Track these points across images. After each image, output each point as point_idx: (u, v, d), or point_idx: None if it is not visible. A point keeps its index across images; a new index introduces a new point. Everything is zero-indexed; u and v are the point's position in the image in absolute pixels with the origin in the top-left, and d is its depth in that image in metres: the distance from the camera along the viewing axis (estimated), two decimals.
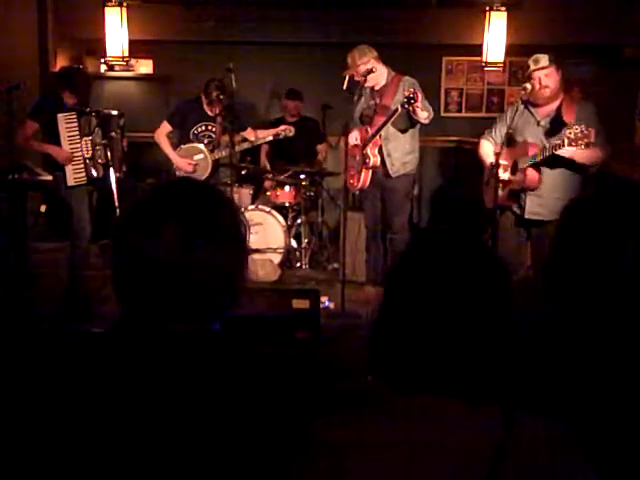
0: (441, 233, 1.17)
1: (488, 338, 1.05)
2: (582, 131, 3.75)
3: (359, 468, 1.02)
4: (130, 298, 1.16)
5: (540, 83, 4.13)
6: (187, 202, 1.16)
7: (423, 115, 4.56)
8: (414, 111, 4.50)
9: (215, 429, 1.08)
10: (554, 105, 4.19)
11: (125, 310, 1.16)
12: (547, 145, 4.02)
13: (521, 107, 4.32)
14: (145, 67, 7.04)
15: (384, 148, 4.80)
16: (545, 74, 4.12)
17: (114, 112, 4.80)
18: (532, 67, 4.15)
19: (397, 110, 4.52)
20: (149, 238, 1.12)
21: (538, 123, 4.21)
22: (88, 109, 4.65)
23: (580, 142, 3.75)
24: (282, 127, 5.73)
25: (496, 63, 6.42)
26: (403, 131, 4.77)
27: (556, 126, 4.14)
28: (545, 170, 4.14)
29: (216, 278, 1.15)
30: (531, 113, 4.23)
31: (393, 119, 4.61)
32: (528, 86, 4.14)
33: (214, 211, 1.18)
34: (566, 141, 3.80)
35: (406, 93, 4.41)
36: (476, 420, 1.03)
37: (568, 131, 3.81)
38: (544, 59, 4.13)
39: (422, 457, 1.01)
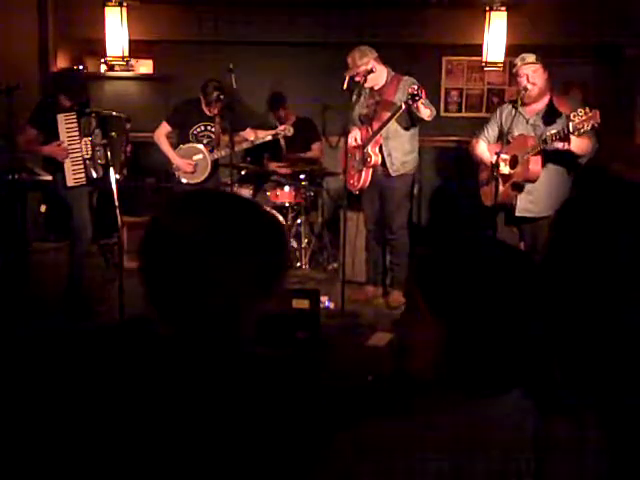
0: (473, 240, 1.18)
1: (525, 337, 1.07)
2: (587, 113, 3.75)
3: (405, 469, 1.03)
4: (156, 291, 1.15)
5: (528, 80, 4.16)
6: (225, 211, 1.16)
7: (426, 112, 4.56)
8: (417, 108, 4.51)
9: (220, 432, 1.08)
10: (542, 103, 4.23)
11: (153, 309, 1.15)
12: (553, 132, 4.01)
13: (510, 107, 4.37)
14: (145, 67, 7.03)
15: (385, 147, 4.80)
16: (532, 70, 4.17)
17: (115, 113, 4.79)
18: (519, 63, 4.20)
19: (401, 107, 4.53)
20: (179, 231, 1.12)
21: (527, 121, 4.25)
22: (88, 110, 4.65)
23: (586, 124, 3.75)
24: (281, 127, 5.73)
25: (496, 63, 6.42)
26: (405, 129, 4.78)
27: (547, 119, 4.16)
28: None
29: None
30: (520, 112, 4.26)
31: (396, 116, 4.61)
32: (529, 86, 4.17)
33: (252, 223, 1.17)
34: (571, 125, 3.81)
35: (410, 90, 4.41)
36: (512, 417, 1.03)
37: (572, 115, 3.81)
38: (531, 57, 4.18)
39: (466, 454, 1.02)
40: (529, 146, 4.11)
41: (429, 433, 1.04)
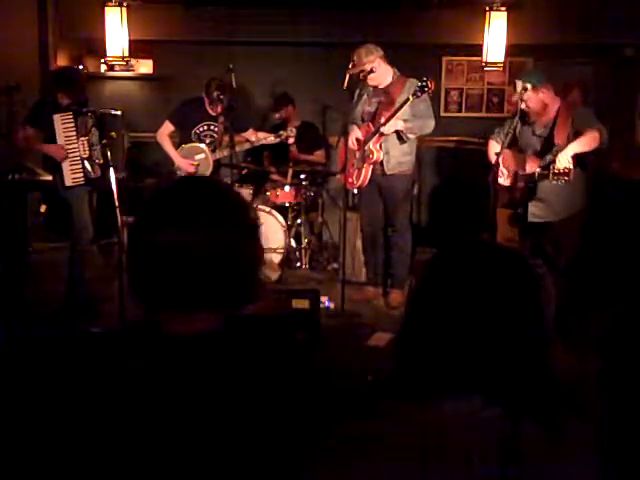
0: (471, 245, 1.18)
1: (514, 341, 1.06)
2: (565, 167, 3.87)
3: (373, 467, 1.03)
4: (149, 296, 1.17)
5: (524, 103, 4.24)
6: (191, 198, 1.19)
7: (398, 124, 4.67)
8: (410, 128, 4.64)
9: (221, 430, 1.08)
10: (549, 116, 4.26)
11: (146, 309, 1.17)
12: (538, 171, 4.12)
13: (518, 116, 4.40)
14: (145, 67, 7.03)
15: (384, 144, 4.81)
16: (525, 98, 4.22)
17: (112, 111, 4.78)
18: (514, 92, 4.31)
19: (408, 100, 4.55)
20: (160, 238, 1.15)
21: (534, 132, 4.30)
22: (85, 109, 4.64)
23: (561, 177, 3.88)
24: (284, 132, 5.70)
25: (496, 63, 6.42)
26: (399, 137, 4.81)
27: (549, 139, 4.21)
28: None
29: (231, 268, 1.17)
30: (528, 123, 4.31)
31: (403, 109, 4.61)
32: (529, 93, 4.21)
33: (220, 203, 1.20)
34: (551, 176, 3.93)
35: (418, 83, 4.46)
36: (485, 421, 1.03)
37: (553, 163, 3.94)
38: (518, 85, 4.24)
39: (436, 455, 1.01)
40: (528, 171, 4.21)
41: (396, 433, 1.04)
